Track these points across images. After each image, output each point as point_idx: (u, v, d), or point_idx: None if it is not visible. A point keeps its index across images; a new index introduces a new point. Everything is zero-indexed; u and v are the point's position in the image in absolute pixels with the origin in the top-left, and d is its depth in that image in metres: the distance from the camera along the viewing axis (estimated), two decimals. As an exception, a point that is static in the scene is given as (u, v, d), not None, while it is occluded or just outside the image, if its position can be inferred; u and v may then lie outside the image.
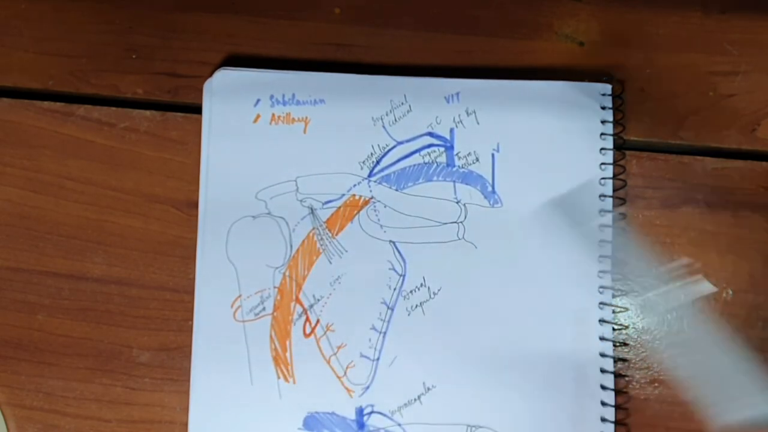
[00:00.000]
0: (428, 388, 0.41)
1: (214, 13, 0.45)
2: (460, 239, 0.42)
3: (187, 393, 0.41)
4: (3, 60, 0.45)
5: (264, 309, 0.42)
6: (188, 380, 0.42)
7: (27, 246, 0.44)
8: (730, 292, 0.42)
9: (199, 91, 0.44)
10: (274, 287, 0.42)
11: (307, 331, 0.42)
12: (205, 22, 0.45)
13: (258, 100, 0.43)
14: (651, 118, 0.43)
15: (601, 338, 0.41)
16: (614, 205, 0.42)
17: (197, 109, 0.44)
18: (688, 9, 0.44)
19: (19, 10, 0.46)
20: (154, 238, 0.43)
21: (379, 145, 0.43)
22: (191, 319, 0.42)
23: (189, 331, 0.42)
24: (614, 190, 0.42)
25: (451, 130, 0.43)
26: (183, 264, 0.43)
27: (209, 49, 0.45)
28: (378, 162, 0.43)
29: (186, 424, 0.41)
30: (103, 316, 0.43)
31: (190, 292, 0.42)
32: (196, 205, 0.43)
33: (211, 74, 0.43)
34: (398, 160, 0.43)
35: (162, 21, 0.45)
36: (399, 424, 0.41)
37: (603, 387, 0.40)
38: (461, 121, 0.43)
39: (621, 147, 0.42)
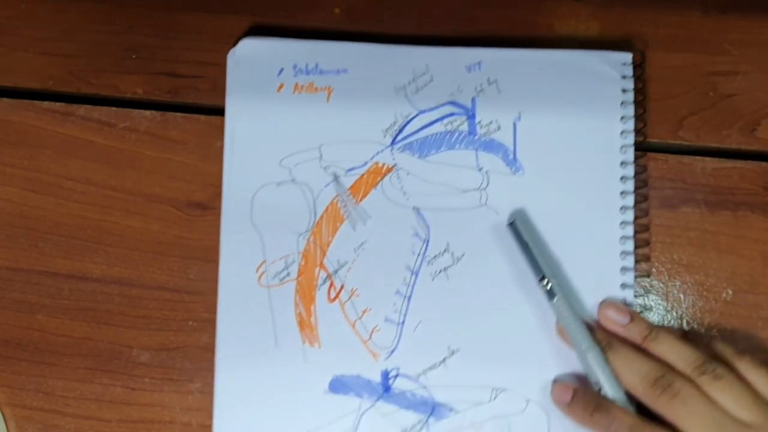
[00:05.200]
0: (453, 352, 0.41)
1: (214, 13, 0.45)
2: (482, 206, 0.42)
3: (187, 393, 0.42)
4: (3, 60, 0.46)
5: (288, 274, 0.42)
6: (188, 380, 0.42)
7: (27, 246, 0.44)
8: (730, 292, 0.42)
9: (200, 91, 0.44)
10: (299, 253, 0.42)
11: (332, 296, 0.42)
12: (205, 22, 0.45)
13: (281, 70, 0.43)
14: (651, 118, 0.43)
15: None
16: (636, 173, 0.41)
17: (197, 109, 0.44)
18: (688, 9, 0.44)
19: (19, 10, 0.46)
20: (154, 238, 0.43)
21: (401, 114, 0.43)
22: (191, 319, 0.42)
23: (189, 331, 0.42)
24: (636, 159, 0.42)
25: (473, 99, 0.43)
26: (183, 264, 0.43)
27: (209, 49, 0.45)
28: (401, 130, 0.43)
29: (186, 424, 0.41)
30: (103, 316, 0.43)
31: (190, 292, 0.42)
32: (196, 205, 0.43)
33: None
34: (420, 129, 0.43)
35: (162, 21, 0.45)
36: (424, 387, 0.41)
37: None
38: (483, 90, 0.43)
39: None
